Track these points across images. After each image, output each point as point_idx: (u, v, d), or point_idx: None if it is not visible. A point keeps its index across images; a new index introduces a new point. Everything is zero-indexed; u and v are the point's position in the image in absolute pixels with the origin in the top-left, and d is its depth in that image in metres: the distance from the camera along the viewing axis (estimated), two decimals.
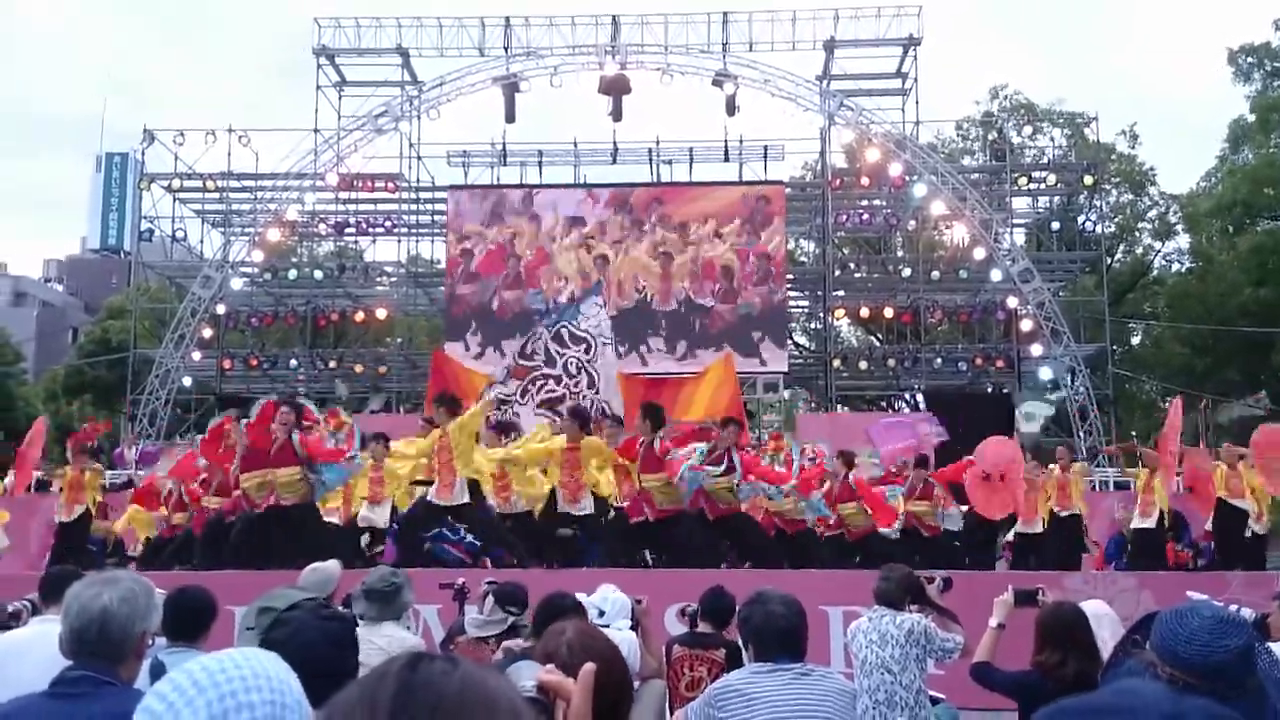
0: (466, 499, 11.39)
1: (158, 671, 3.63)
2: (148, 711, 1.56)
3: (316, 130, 27.15)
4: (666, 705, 5.49)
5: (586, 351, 25.41)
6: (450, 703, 1.04)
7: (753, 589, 4.37)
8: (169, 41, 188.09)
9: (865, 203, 28.50)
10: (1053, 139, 36.96)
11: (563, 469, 11.83)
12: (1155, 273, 39.15)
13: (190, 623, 4.46)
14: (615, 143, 27.45)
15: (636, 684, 4.63)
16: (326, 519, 12.16)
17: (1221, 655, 2.56)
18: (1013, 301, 25.55)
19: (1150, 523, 13.52)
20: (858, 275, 30.34)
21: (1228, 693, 2.37)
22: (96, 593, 3.01)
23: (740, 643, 4.53)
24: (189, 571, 10.98)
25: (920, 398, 28.51)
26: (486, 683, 1.08)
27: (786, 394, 31.22)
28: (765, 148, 27.57)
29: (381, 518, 12.66)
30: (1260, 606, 6.29)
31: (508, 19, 26.92)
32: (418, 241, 30.59)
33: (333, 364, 27.24)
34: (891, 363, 27.31)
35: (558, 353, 25.40)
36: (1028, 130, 37.08)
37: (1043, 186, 28.10)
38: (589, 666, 1.45)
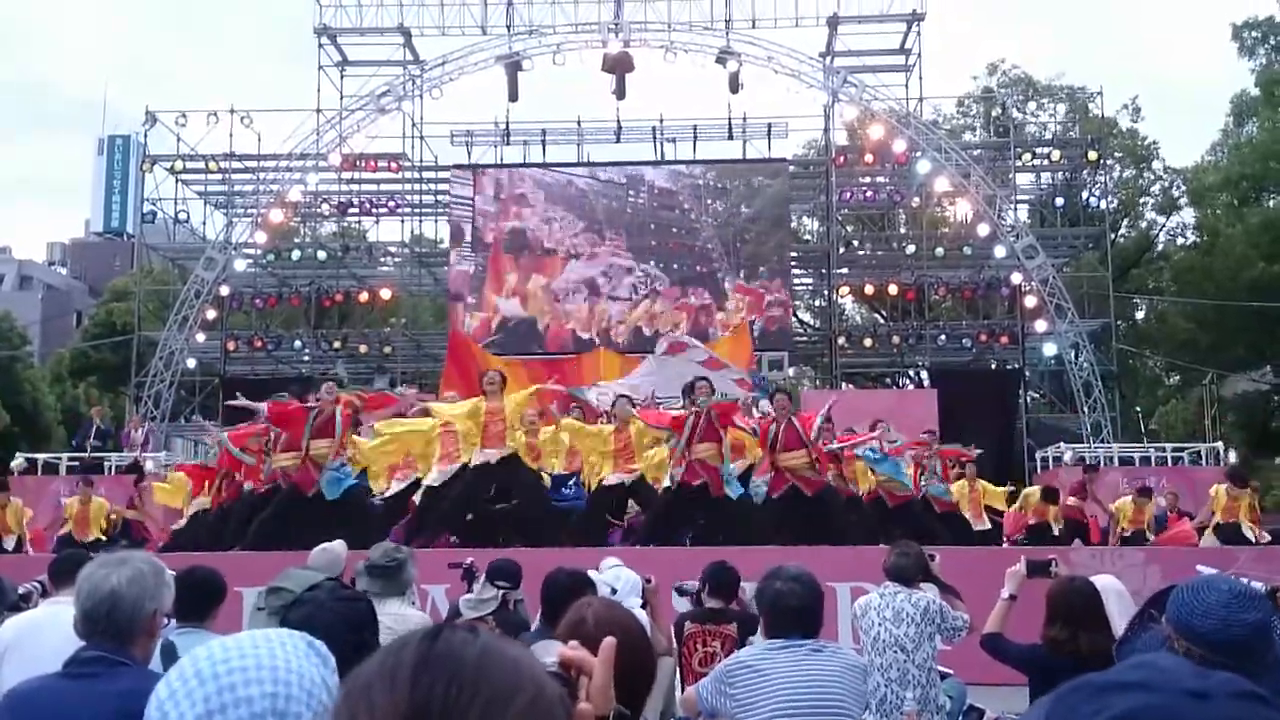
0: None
1: (168, 651, 3.65)
2: (156, 697, 1.57)
3: (319, 110, 27.06)
4: (677, 682, 5.50)
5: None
6: (470, 671, 1.03)
7: (762, 565, 4.37)
8: (167, 25, 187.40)
9: (869, 180, 28.41)
10: (1053, 114, 36.83)
11: (616, 455, 12.04)
12: (1160, 248, 39.02)
13: (198, 603, 4.48)
14: (619, 121, 27.37)
15: None
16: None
17: (1238, 629, 2.55)
18: (1017, 278, 25.48)
19: None
20: (862, 253, 30.28)
21: (1246, 667, 2.36)
22: (106, 574, 3.02)
23: (749, 615, 4.53)
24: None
25: (925, 374, 28.51)
26: (507, 651, 1.08)
27: (791, 371, 31.25)
28: (769, 125, 27.49)
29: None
30: (1269, 580, 6.29)
31: None
32: (421, 221, 30.56)
33: (337, 345, 27.24)
34: (896, 340, 27.29)
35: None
36: (1030, 106, 36.88)
37: (1046, 162, 27.99)
38: (610, 640, 1.44)
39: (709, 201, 26.65)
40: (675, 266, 26.37)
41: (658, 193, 26.66)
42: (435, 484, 11.87)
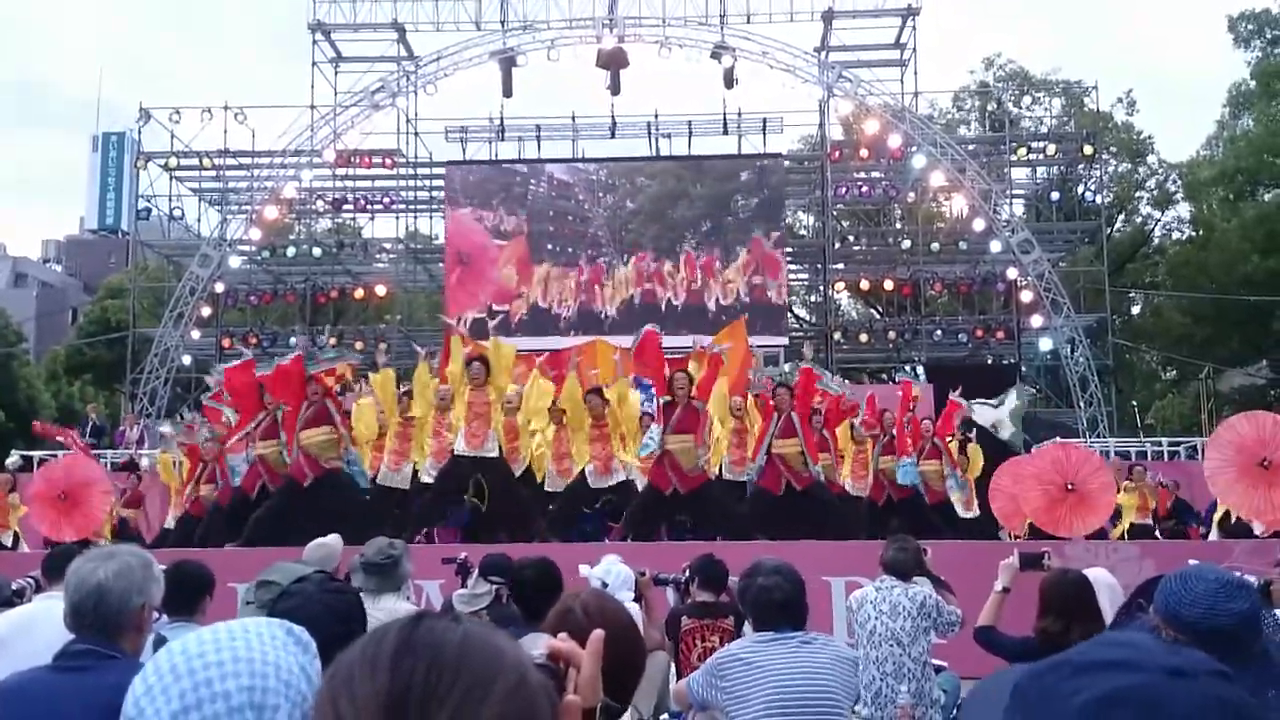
0: (497, 453, 11.44)
1: (160, 646, 3.64)
2: (132, 693, 1.57)
3: (313, 107, 27.00)
4: (671, 677, 5.49)
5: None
6: (450, 656, 1.03)
7: (749, 559, 4.37)
8: (166, 24, 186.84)
9: (864, 175, 28.38)
10: (1049, 109, 36.81)
11: (592, 444, 12.00)
12: (1155, 242, 39.04)
13: (186, 597, 4.46)
14: (613, 117, 27.31)
15: None
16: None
17: (1224, 619, 2.55)
18: (1013, 272, 25.48)
19: None
20: (857, 248, 30.25)
21: (1232, 656, 2.35)
22: (93, 568, 3.02)
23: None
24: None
25: (921, 370, 28.48)
26: (489, 638, 1.08)
27: (787, 367, 31.18)
28: (764, 120, 27.47)
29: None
30: (1263, 573, 6.29)
31: None
32: (416, 217, 30.52)
33: (332, 341, 27.18)
34: (892, 335, 27.29)
35: None
36: (1026, 100, 36.85)
37: (1041, 157, 27.98)
38: (598, 633, 1.43)
39: (600, 194, 27.02)
40: (570, 250, 26.72)
41: (556, 184, 27.11)
42: (428, 479, 11.90)
